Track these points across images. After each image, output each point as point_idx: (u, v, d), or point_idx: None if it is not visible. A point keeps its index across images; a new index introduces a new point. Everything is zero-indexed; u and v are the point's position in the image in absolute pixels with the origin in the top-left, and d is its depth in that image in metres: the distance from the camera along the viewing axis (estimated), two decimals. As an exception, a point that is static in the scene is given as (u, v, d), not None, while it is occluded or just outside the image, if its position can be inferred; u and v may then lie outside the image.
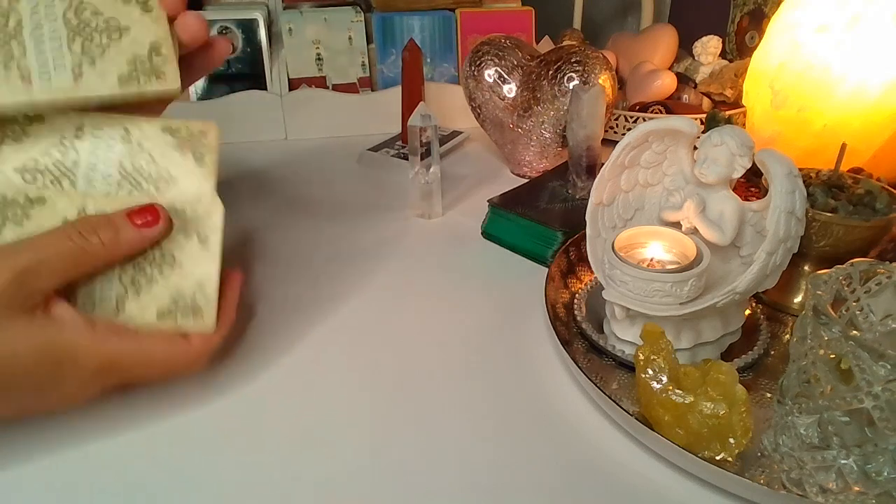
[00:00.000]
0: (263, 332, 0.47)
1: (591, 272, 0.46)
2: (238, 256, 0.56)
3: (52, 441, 0.37)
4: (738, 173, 0.41)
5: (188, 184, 0.38)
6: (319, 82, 0.85)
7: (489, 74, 0.70)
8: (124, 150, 0.38)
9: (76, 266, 0.34)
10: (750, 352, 0.42)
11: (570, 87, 0.65)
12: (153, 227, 0.35)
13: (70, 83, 0.37)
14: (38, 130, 0.37)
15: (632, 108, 0.80)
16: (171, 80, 0.38)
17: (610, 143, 0.55)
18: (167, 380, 0.38)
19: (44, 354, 0.32)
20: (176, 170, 0.38)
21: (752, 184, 0.58)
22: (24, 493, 0.34)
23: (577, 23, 1.12)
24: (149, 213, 0.36)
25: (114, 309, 0.37)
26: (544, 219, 0.56)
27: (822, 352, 0.30)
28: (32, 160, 0.37)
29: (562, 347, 0.41)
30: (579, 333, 0.45)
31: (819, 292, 0.32)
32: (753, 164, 0.40)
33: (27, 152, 0.37)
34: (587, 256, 0.44)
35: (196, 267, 0.38)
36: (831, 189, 0.47)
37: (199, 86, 0.82)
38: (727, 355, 0.43)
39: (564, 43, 0.79)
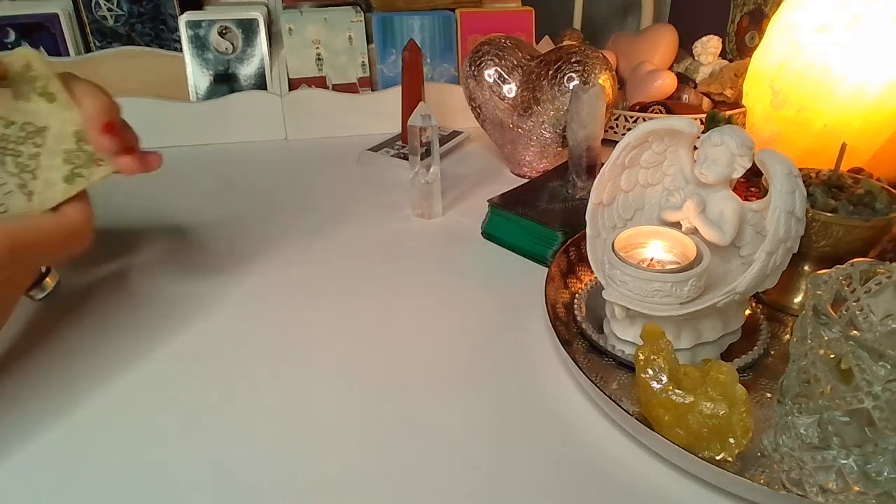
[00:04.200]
0: (261, 331, 0.47)
1: (591, 272, 0.46)
2: (238, 256, 0.56)
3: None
4: (738, 173, 0.41)
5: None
6: (319, 82, 0.85)
7: (489, 74, 0.70)
8: None
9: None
10: (750, 352, 0.42)
11: (570, 87, 0.65)
12: None
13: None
14: None
15: (632, 108, 0.80)
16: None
17: (610, 143, 0.55)
18: (70, 251, 0.40)
19: None
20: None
21: (752, 184, 0.58)
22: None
23: (577, 23, 1.12)
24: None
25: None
26: (544, 219, 0.56)
27: (822, 352, 0.30)
28: None
29: (562, 347, 0.41)
30: (579, 333, 0.45)
31: (819, 292, 0.32)
32: (753, 164, 0.40)
33: None
34: (587, 256, 0.44)
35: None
36: (831, 189, 0.47)
37: (199, 86, 0.82)
38: (727, 355, 0.43)
39: (564, 43, 0.79)
